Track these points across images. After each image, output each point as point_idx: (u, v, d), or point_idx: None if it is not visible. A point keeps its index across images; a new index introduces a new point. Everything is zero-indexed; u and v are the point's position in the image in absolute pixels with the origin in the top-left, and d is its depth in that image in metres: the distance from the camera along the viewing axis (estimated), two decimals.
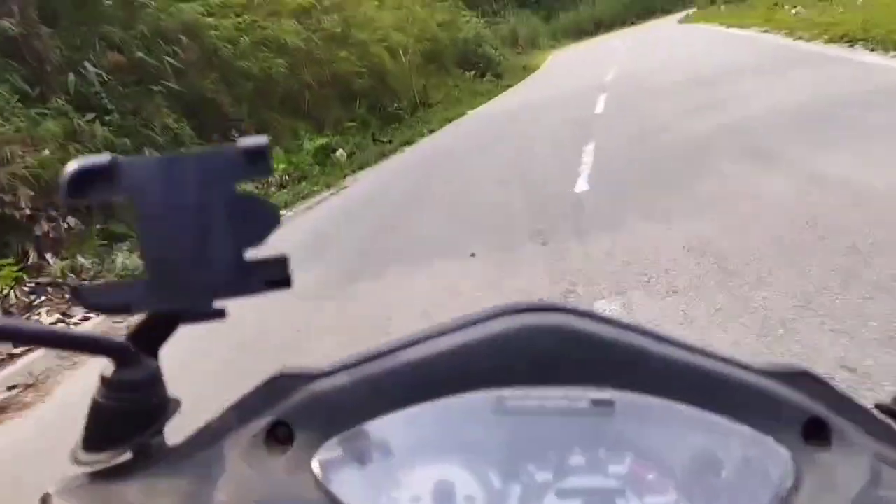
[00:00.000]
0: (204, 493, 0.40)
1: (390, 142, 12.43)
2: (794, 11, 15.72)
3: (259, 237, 0.39)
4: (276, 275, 0.40)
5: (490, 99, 17.78)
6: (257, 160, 0.38)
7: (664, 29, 29.76)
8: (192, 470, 0.41)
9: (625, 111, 9.52)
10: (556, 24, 45.12)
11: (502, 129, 10.88)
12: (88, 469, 0.41)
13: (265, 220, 0.39)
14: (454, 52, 22.79)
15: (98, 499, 0.39)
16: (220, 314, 0.41)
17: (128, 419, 0.41)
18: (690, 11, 38.03)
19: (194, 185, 0.38)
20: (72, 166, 0.37)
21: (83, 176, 0.37)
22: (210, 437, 0.43)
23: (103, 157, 0.37)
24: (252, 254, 0.40)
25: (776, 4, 19.59)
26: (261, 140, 0.38)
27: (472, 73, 21.72)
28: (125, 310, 0.39)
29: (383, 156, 11.14)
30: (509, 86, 20.64)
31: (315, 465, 0.41)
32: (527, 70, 25.59)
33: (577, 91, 13.04)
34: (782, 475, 0.40)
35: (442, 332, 0.45)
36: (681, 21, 34.01)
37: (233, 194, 0.39)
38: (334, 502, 0.40)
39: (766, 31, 15.76)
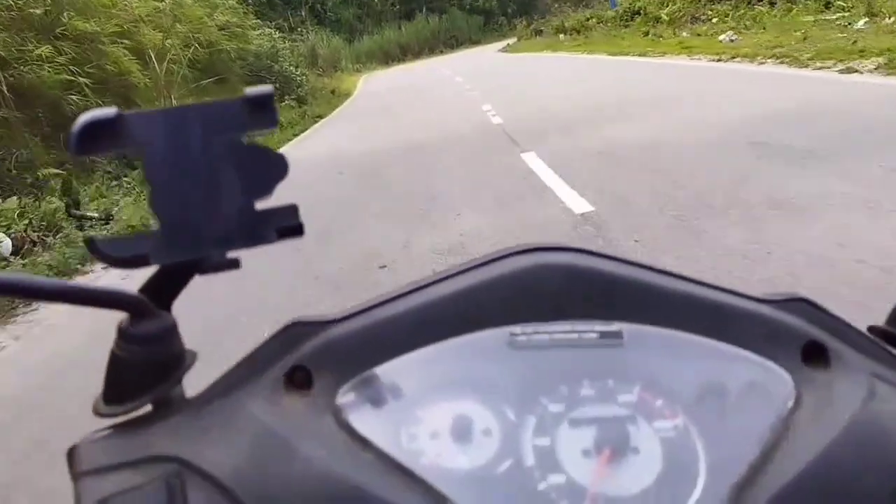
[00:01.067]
0: (228, 438, 0.40)
1: (104, 221, 6.64)
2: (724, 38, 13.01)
3: (268, 187, 0.39)
4: (287, 223, 0.40)
5: (296, 135, 12.81)
6: (263, 110, 0.38)
7: (493, 59, 27.07)
8: (214, 417, 0.42)
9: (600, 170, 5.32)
10: (360, 46, 40.70)
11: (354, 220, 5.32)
12: (111, 421, 0.41)
13: (274, 169, 0.40)
14: (243, 66, 17.23)
15: (125, 448, 0.40)
16: (235, 264, 0.41)
17: (146, 371, 0.41)
18: (510, 42, 35.72)
19: (202, 136, 0.38)
20: (79, 120, 0.37)
21: (90, 129, 0.37)
22: (229, 386, 0.43)
23: (109, 111, 0.37)
24: (262, 204, 0.40)
25: (647, 34, 16.81)
26: (266, 90, 0.38)
27: None
28: (141, 262, 0.39)
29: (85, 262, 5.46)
30: (319, 116, 15.82)
31: (336, 407, 0.42)
32: (337, 95, 21.06)
33: (461, 135, 8.52)
34: (784, 396, 0.42)
35: (452, 274, 0.46)
36: (504, 50, 31.76)
37: (240, 145, 0.39)
38: (357, 440, 0.41)
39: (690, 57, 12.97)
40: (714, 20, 15.79)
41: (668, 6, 18.39)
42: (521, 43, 32.44)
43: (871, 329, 0.49)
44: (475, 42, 43.58)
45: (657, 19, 18.11)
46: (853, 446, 0.40)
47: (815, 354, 0.44)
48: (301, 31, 39.62)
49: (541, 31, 33.55)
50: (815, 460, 0.39)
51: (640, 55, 14.71)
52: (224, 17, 16.32)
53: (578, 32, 25.37)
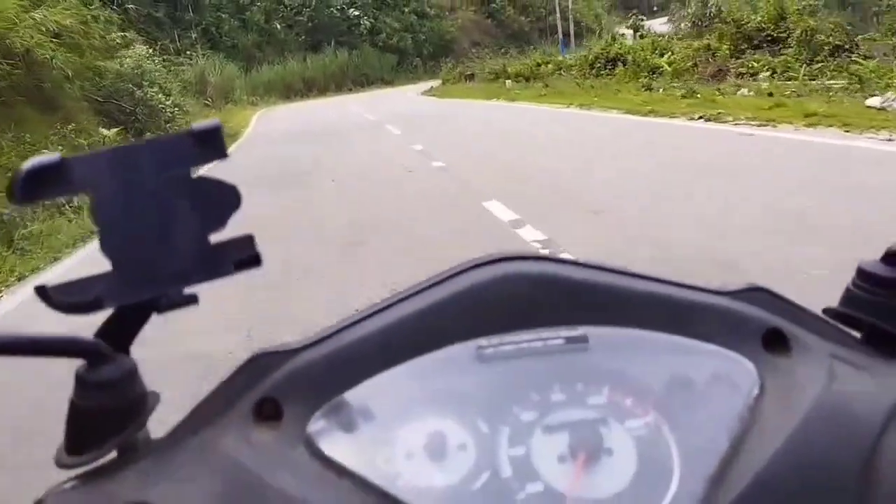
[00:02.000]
0: (198, 478, 0.39)
1: None
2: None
3: (222, 219, 0.39)
4: (243, 254, 0.40)
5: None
6: (211, 143, 0.38)
7: (422, 103, 23.44)
8: (182, 457, 0.41)
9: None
10: (258, 77, 36.06)
11: None
12: (75, 472, 0.40)
13: (226, 201, 0.39)
14: (90, 89, 12.52)
15: (92, 499, 0.39)
16: (193, 300, 0.40)
17: (108, 417, 0.39)
18: (433, 84, 32.25)
19: (150, 173, 0.38)
20: (21, 169, 0.36)
21: (33, 177, 0.36)
22: (196, 424, 0.42)
23: (52, 157, 0.36)
24: (217, 237, 0.39)
25: (647, 87, 13.49)
26: (212, 123, 0.38)
27: (119, 130, 11.69)
28: (96, 306, 0.38)
29: None
30: None
31: (308, 436, 0.41)
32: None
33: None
34: (749, 384, 0.43)
35: (415, 292, 0.46)
36: (429, 94, 28.40)
37: (189, 179, 0.39)
38: (332, 468, 0.40)
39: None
40: (758, 73, 12.28)
41: (667, 55, 15.36)
42: (449, 87, 29.16)
43: (826, 311, 0.49)
44: (387, 82, 39.98)
45: (654, 70, 14.95)
46: (820, 427, 0.41)
47: (775, 341, 0.45)
48: (191, 54, 34.73)
49: (472, 75, 30.12)
50: (785, 445, 0.40)
51: (683, 116, 10.03)
52: (61, 17, 11.47)
53: (528, 79, 21.96)
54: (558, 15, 44.20)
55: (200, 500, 0.38)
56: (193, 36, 37.04)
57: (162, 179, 0.38)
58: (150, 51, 18.09)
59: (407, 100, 26.05)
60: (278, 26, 39.47)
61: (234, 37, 38.02)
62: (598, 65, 18.93)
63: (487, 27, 47.27)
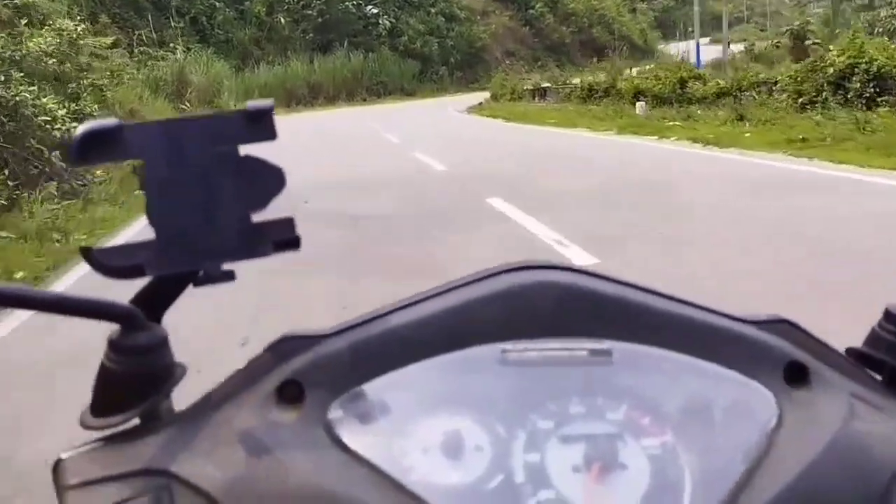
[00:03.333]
0: (218, 451, 0.40)
1: None
2: None
3: (265, 199, 0.40)
4: (283, 236, 0.40)
5: None
6: (262, 123, 0.39)
7: (473, 127, 17.39)
8: (203, 430, 0.41)
9: None
10: (255, 78, 29.64)
11: None
12: (98, 434, 0.41)
13: (271, 182, 0.40)
14: None
15: (110, 462, 0.40)
16: (230, 276, 0.41)
17: (135, 383, 0.40)
18: (477, 99, 25.92)
19: (200, 148, 0.38)
20: (80, 130, 0.37)
21: (91, 139, 0.37)
22: (219, 399, 0.43)
23: (110, 121, 0.37)
24: (259, 216, 0.40)
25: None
26: (266, 103, 0.39)
27: None
28: (137, 272, 0.39)
29: None
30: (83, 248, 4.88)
31: (327, 422, 0.42)
32: None
33: None
34: (767, 415, 0.43)
35: (444, 291, 0.46)
36: (474, 112, 22.09)
37: (238, 157, 0.39)
38: (348, 455, 0.41)
39: None
40: None
41: None
42: (504, 105, 22.65)
43: (849, 351, 0.49)
44: (408, 93, 33.68)
45: None
46: (835, 464, 0.41)
47: (796, 375, 0.45)
48: (174, 47, 28.44)
49: (545, 90, 23.42)
50: (798, 478, 0.40)
51: None
52: None
53: (667, 103, 14.71)
54: (609, 29, 38.16)
55: (218, 473, 0.39)
56: (180, 26, 30.83)
57: (211, 155, 0.38)
58: (78, 27, 11.44)
59: (450, 120, 19.86)
60: (282, 20, 33.15)
61: (229, 29, 31.68)
62: (831, 88, 11.06)
63: (523, 36, 41.14)
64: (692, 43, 53.22)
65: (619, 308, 0.46)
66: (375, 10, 35.81)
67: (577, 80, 21.82)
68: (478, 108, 22.70)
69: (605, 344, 0.44)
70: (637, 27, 47.80)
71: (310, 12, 33.55)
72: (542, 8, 41.48)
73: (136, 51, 27.95)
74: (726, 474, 0.40)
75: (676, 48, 41.09)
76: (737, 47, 41.68)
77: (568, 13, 42.23)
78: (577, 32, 42.37)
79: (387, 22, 35.51)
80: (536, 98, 22.98)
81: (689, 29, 63.74)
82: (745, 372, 0.44)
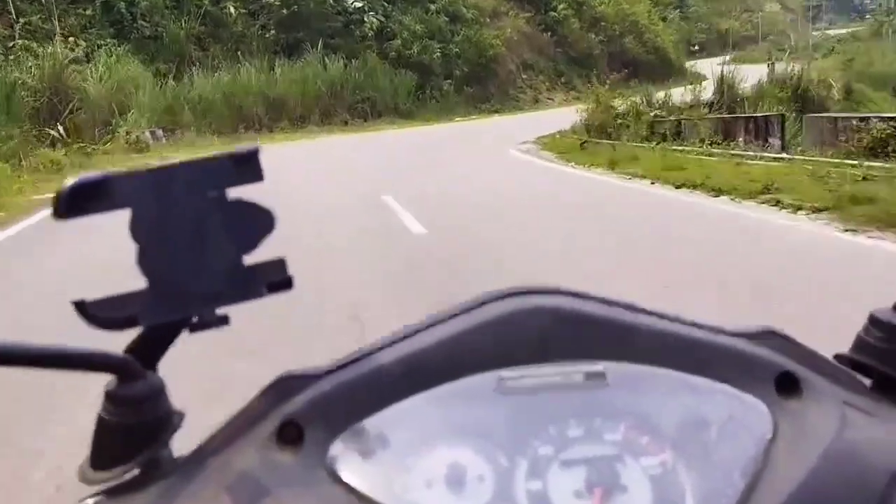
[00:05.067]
0: (220, 498, 0.40)
1: None
2: None
3: (255, 241, 0.40)
4: (276, 277, 0.41)
5: None
6: (248, 165, 0.39)
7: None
8: (205, 477, 0.41)
9: None
10: (187, 90, 20.74)
11: None
12: (98, 487, 0.41)
13: (260, 223, 0.41)
14: None
15: None
16: (225, 321, 0.41)
17: (134, 434, 0.40)
18: (552, 131, 17.49)
19: (188, 193, 0.39)
20: (66, 184, 0.37)
21: (78, 193, 0.37)
22: (219, 444, 0.43)
23: (97, 175, 0.38)
24: (250, 259, 0.40)
25: None
26: (252, 147, 0.40)
27: None
28: (131, 323, 0.39)
29: None
30: None
31: (328, 461, 0.42)
32: None
33: None
34: (763, 427, 0.44)
35: (437, 322, 0.47)
36: (568, 162, 12.34)
37: (227, 201, 0.40)
38: (352, 493, 0.41)
39: None
40: None
41: None
42: (627, 150, 12.35)
43: (838, 357, 0.50)
44: (403, 115, 25.10)
45: None
46: (832, 474, 0.41)
47: (787, 385, 0.46)
48: (75, 40, 19.61)
49: (679, 131, 13.48)
50: (798, 490, 0.40)
51: None
52: None
53: None
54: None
55: None
56: (87, 13, 21.94)
57: (200, 199, 0.39)
58: None
59: (554, 184, 10.42)
60: (232, 11, 24.28)
61: (158, 22, 22.77)
62: None
63: (543, 44, 32.94)
64: (702, 61, 45.83)
65: (611, 329, 0.46)
66: (359, 4, 27.24)
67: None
68: (561, 157, 13.83)
69: (599, 366, 0.45)
70: (670, 38, 40.04)
71: (272, 1, 24.84)
72: (565, 10, 33.34)
73: (17, 44, 19.31)
74: (727, 490, 0.41)
75: (707, 66, 33.26)
76: (780, 66, 33.92)
77: (596, 18, 34.20)
78: (605, 42, 34.32)
79: (374, 20, 26.95)
80: (660, 135, 14.20)
81: (693, 45, 56.73)
82: (738, 385, 0.45)
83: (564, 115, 21.28)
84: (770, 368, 0.46)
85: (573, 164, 12.50)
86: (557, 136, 17.13)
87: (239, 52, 23.19)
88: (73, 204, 0.37)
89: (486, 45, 29.37)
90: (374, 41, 26.56)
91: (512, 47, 30.98)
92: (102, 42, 20.52)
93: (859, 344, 0.50)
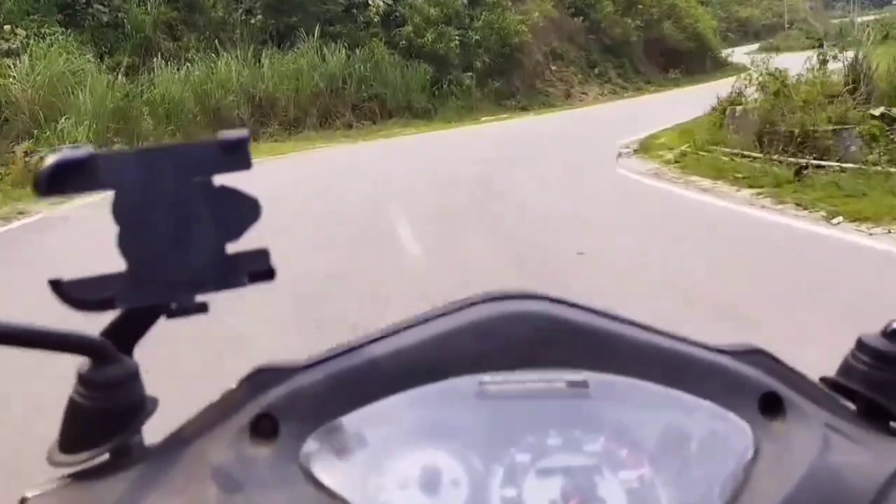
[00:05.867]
0: (189, 489, 0.39)
1: None
2: None
3: (239, 230, 0.39)
4: (258, 267, 0.40)
5: None
6: (237, 153, 0.38)
7: None
8: (175, 466, 0.40)
9: None
10: (153, 90, 16.48)
11: None
12: (66, 470, 0.40)
13: (245, 212, 0.39)
14: None
15: (78, 501, 0.39)
16: (203, 308, 0.40)
17: (106, 419, 0.39)
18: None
19: (173, 177, 0.38)
20: (49, 161, 0.36)
21: (61, 170, 0.36)
22: (192, 433, 0.42)
23: (81, 151, 0.37)
24: (233, 247, 0.40)
25: None
26: (241, 133, 0.39)
27: None
28: (108, 305, 0.38)
29: None
30: None
31: (302, 457, 0.41)
32: None
33: None
34: (744, 447, 0.43)
35: (420, 322, 0.46)
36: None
37: (212, 187, 0.39)
38: (323, 492, 0.40)
39: None
40: None
41: None
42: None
43: (823, 380, 0.49)
44: (420, 115, 20.92)
45: None
46: (812, 497, 0.40)
47: (771, 405, 0.45)
48: (24, 28, 15.52)
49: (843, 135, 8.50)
50: None
51: None
52: None
53: None
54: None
55: None
56: None
57: (185, 185, 0.38)
58: None
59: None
60: None
61: (119, 6, 18.58)
62: None
63: (573, 30, 28.71)
64: (747, 48, 41.74)
65: (595, 338, 0.45)
66: None
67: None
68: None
69: (582, 375, 0.44)
70: (710, 24, 35.78)
71: None
72: None
73: None
74: None
75: (738, 55, 29.05)
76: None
77: (632, 0, 29.88)
78: (643, 28, 30.07)
79: (381, 3, 22.72)
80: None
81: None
82: (720, 403, 0.44)
83: (618, 112, 17.03)
84: (754, 388, 0.45)
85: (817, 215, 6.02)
86: (689, 150, 10.33)
87: (218, 42, 18.99)
88: (54, 181, 0.35)
89: (510, 31, 25.13)
90: (380, 28, 22.33)
91: (538, 34, 26.76)
92: (48, 31, 16.34)
93: (846, 368, 0.48)
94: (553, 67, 27.37)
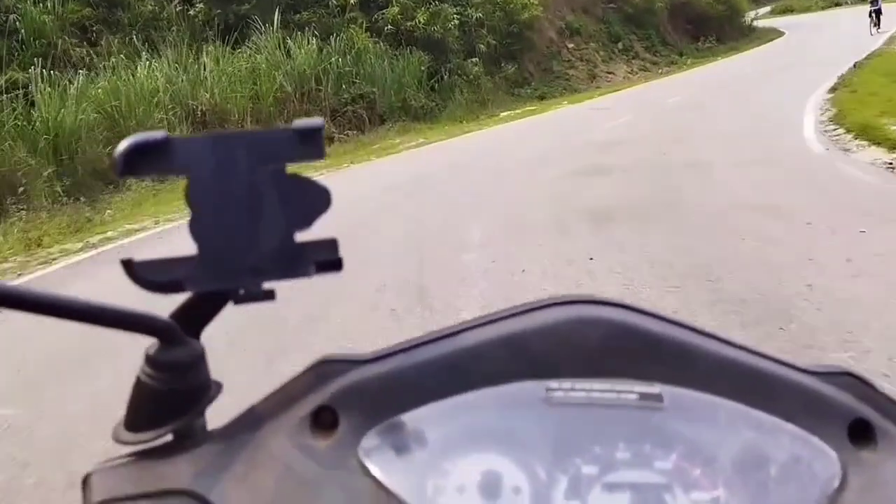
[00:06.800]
0: (249, 476, 0.40)
1: None
2: None
3: (309, 219, 0.39)
4: (326, 257, 0.40)
5: None
6: (310, 142, 0.38)
7: None
8: (236, 452, 0.41)
9: None
10: (38, 118, 11.72)
11: None
12: (130, 448, 0.41)
13: (316, 201, 0.39)
14: None
15: (140, 479, 0.39)
16: (270, 296, 0.40)
17: (171, 400, 0.40)
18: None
19: (247, 164, 0.38)
20: (126, 142, 0.37)
21: (137, 151, 0.37)
22: (254, 420, 0.43)
23: (158, 134, 0.37)
24: (302, 236, 0.40)
25: None
26: (316, 122, 0.38)
27: None
28: (177, 287, 0.39)
29: None
30: None
31: (361, 452, 0.41)
32: None
33: None
34: (829, 475, 0.40)
35: (490, 321, 0.44)
36: None
37: (284, 175, 0.39)
38: (380, 489, 0.39)
39: None
40: None
41: None
42: None
43: None
44: (419, 117, 16.15)
45: None
46: None
47: (861, 433, 0.42)
48: None
49: None
50: None
51: None
52: None
53: None
54: None
55: (246, 498, 0.38)
56: None
57: (257, 172, 0.38)
58: None
59: None
60: None
61: (12, 6, 13.81)
62: None
63: (589, 0, 24.07)
64: (761, 10, 37.51)
65: (672, 349, 0.43)
66: None
67: None
68: None
69: (656, 388, 0.42)
70: None
71: None
72: None
73: None
74: None
75: (765, 17, 24.67)
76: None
77: None
78: None
79: None
80: None
81: None
82: (805, 427, 0.42)
83: (689, 98, 12.64)
84: (843, 413, 0.42)
85: None
86: None
87: (147, 44, 14.24)
88: (131, 162, 0.36)
89: (517, 5, 20.44)
90: (359, 11, 17.61)
91: (549, 6, 22.09)
92: None
93: None
94: (570, 45, 22.70)
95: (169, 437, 0.41)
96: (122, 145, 0.36)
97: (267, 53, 14.84)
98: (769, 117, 10.15)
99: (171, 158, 0.37)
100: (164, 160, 0.37)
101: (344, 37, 16.36)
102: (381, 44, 17.22)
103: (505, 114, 16.57)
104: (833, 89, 12.00)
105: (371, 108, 15.36)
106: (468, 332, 0.44)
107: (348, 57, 15.99)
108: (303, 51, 15.23)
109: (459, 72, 18.35)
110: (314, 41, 15.58)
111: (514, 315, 0.44)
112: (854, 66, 14.52)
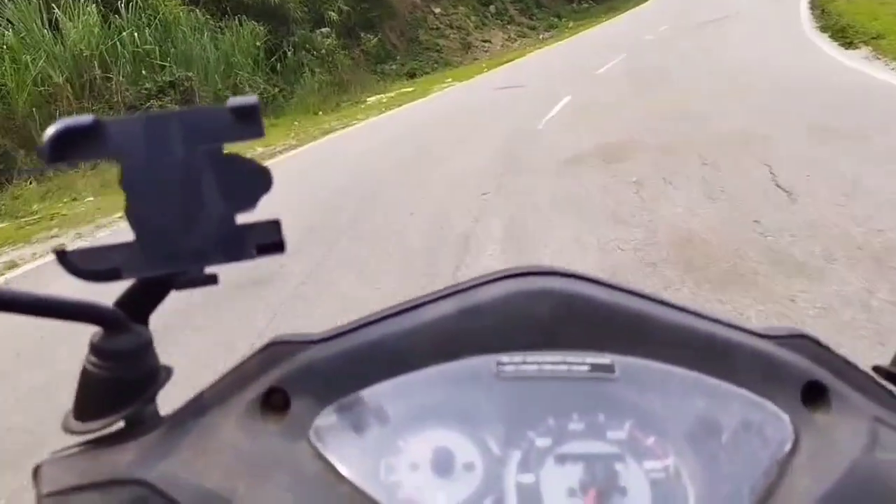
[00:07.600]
0: (199, 461, 0.40)
1: None
2: None
3: (251, 200, 0.38)
4: (268, 239, 0.39)
5: None
6: (248, 120, 0.37)
7: None
8: (186, 438, 0.41)
9: None
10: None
11: None
12: (80, 438, 0.40)
13: (256, 182, 0.38)
14: None
15: (90, 468, 0.39)
16: (213, 280, 0.40)
17: (119, 387, 0.40)
18: None
19: (182, 145, 0.37)
20: (53, 128, 0.35)
21: (66, 137, 0.35)
22: (205, 404, 0.42)
23: (86, 118, 0.36)
24: (244, 218, 0.39)
25: None
26: (250, 99, 0.37)
27: None
28: (114, 276, 0.38)
29: None
30: None
31: (312, 433, 0.41)
32: None
33: None
34: (781, 439, 0.41)
35: (439, 298, 0.44)
36: None
37: (222, 156, 0.38)
38: (331, 471, 0.39)
39: None
40: None
41: None
42: None
43: (876, 369, 0.46)
44: (265, 111, 11.96)
45: None
46: (854, 495, 0.38)
47: (815, 395, 0.42)
48: None
49: None
50: None
51: None
52: None
53: None
54: None
55: (197, 484, 0.38)
56: None
57: (194, 153, 0.37)
58: None
59: None
60: None
61: None
62: None
63: None
64: None
65: (625, 319, 0.43)
66: None
67: None
68: None
69: (608, 358, 0.42)
70: None
71: None
72: None
73: None
74: (734, 503, 0.38)
75: None
76: None
77: None
78: None
79: None
80: None
81: None
82: (758, 391, 0.42)
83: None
84: (797, 376, 0.42)
85: None
86: None
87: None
88: (60, 148, 0.35)
89: None
90: None
91: None
92: None
93: None
94: (436, 10, 19.24)
95: (120, 425, 0.40)
96: (50, 131, 0.35)
97: (21, 29, 10.16)
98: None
99: (103, 143, 0.36)
100: (96, 145, 0.35)
101: (141, 3, 11.89)
102: (199, 12, 12.88)
103: (373, 99, 12.85)
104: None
105: (188, 101, 11.08)
106: (418, 309, 0.43)
107: (149, 31, 11.57)
108: (80, 24, 10.67)
109: (307, 46, 14.37)
110: (96, 10, 11.04)
111: (464, 290, 0.44)
112: None
